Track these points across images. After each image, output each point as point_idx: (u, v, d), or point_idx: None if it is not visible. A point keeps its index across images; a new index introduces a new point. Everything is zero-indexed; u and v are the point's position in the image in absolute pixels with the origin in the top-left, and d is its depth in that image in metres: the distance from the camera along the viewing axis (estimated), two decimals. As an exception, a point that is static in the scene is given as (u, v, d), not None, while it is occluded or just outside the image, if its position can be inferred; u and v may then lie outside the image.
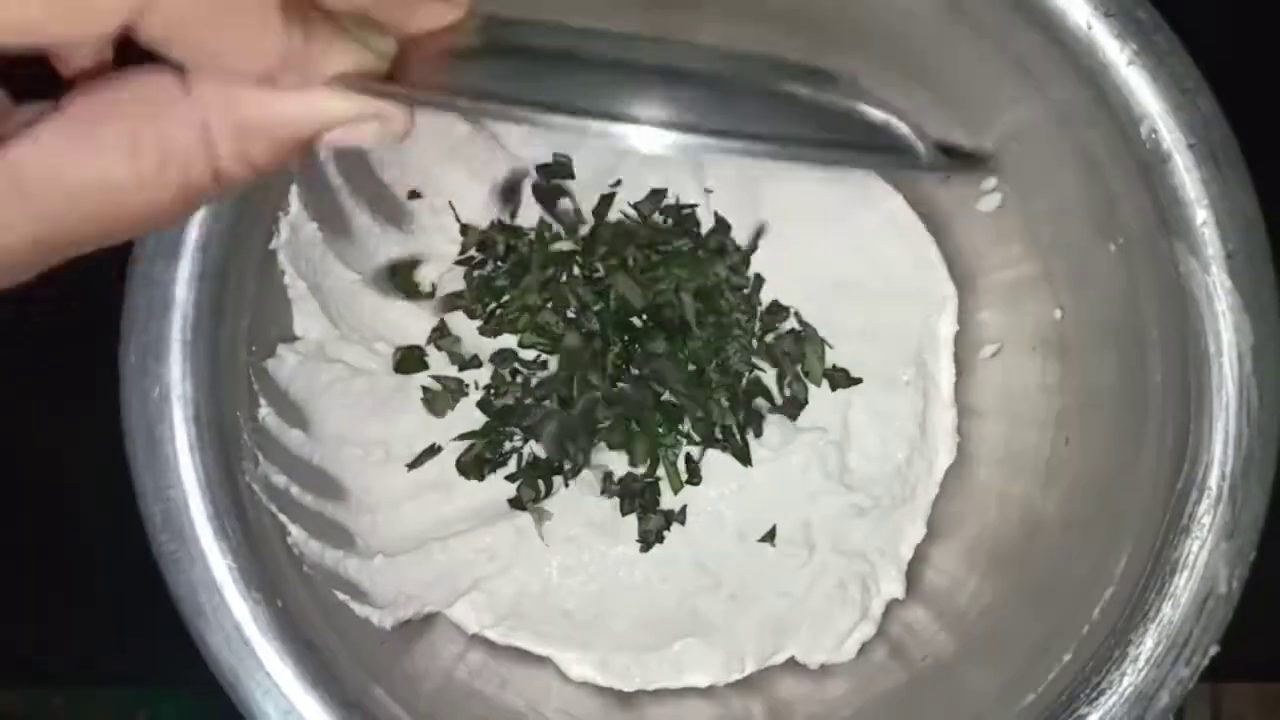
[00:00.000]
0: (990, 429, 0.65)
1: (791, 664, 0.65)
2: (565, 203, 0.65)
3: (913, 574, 0.66)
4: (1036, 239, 0.61)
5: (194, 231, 0.46)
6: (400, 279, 0.62)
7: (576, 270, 0.62)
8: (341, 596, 0.57)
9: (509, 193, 0.64)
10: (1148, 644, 0.46)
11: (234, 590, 0.47)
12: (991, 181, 0.62)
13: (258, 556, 0.47)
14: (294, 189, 0.54)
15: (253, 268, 0.52)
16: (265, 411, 0.54)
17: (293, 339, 0.59)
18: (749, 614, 0.64)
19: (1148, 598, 0.46)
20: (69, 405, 0.74)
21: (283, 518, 0.53)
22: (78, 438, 0.73)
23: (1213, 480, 0.46)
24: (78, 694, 0.79)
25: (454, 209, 0.62)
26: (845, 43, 0.63)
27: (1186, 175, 0.47)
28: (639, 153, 0.26)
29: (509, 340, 0.62)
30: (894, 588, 0.65)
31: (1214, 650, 0.45)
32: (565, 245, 0.64)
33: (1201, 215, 0.47)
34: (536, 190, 0.64)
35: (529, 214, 0.64)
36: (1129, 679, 0.46)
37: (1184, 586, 0.46)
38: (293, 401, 0.57)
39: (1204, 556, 0.46)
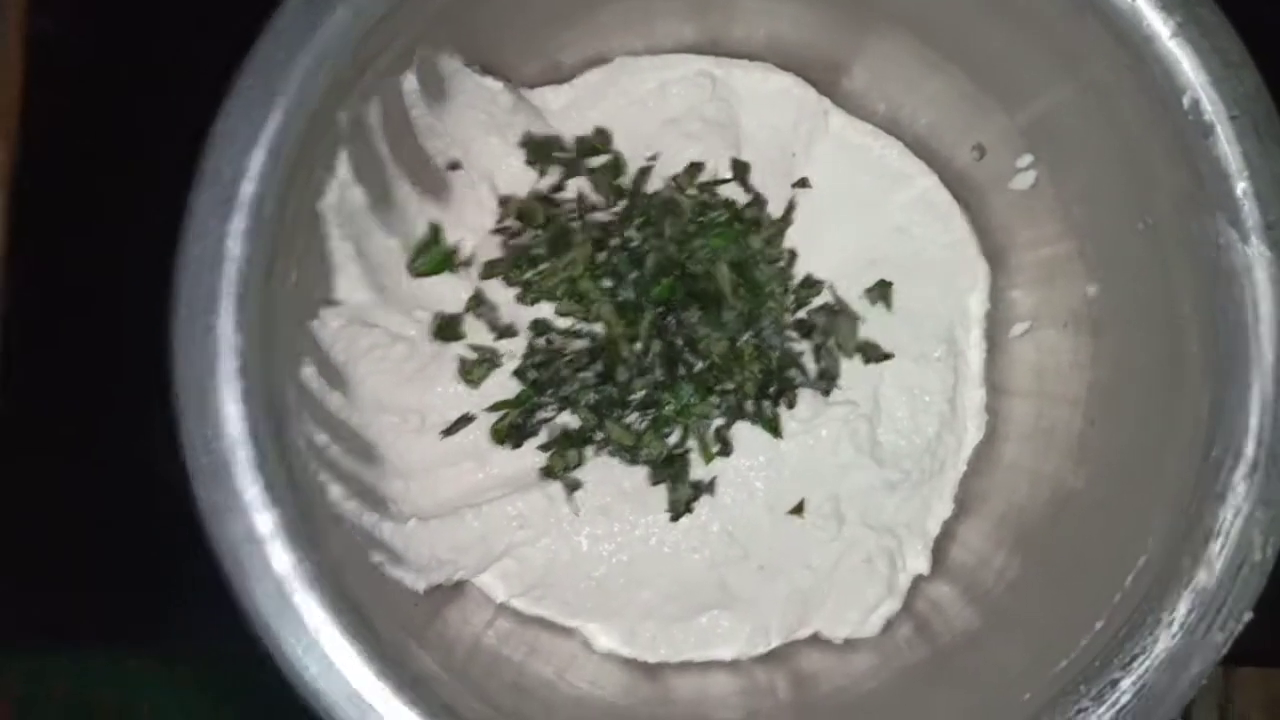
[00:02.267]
0: (1020, 406, 0.65)
1: (816, 638, 0.65)
2: (600, 175, 0.66)
3: (939, 551, 0.66)
4: (1070, 216, 0.61)
5: (248, 188, 0.47)
6: (429, 255, 0.62)
7: (614, 241, 0.63)
8: (376, 558, 0.57)
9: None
10: (1181, 610, 0.46)
11: (278, 543, 0.47)
12: (1026, 159, 0.62)
13: (302, 511, 0.48)
14: (343, 154, 0.54)
15: (303, 226, 0.52)
16: (309, 371, 0.55)
17: (335, 303, 0.59)
18: (776, 586, 0.64)
19: (1182, 563, 0.47)
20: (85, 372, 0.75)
21: (323, 476, 0.53)
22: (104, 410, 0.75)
23: (1249, 448, 0.46)
24: (82, 665, 0.80)
25: (493, 179, 0.63)
26: (883, 22, 0.64)
27: (1229, 147, 0.48)
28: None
29: (545, 309, 0.63)
30: (920, 563, 0.65)
31: (1248, 617, 0.46)
32: (603, 216, 0.64)
33: (1242, 186, 0.48)
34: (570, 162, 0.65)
35: (567, 185, 0.65)
36: (1162, 644, 0.46)
37: (1219, 553, 0.46)
38: (333, 364, 0.58)
39: (1239, 524, 0.46)
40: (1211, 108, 0.48)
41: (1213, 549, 0.46)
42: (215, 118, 0.47)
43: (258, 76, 0.48)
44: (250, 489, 0.47)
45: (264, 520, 0.48)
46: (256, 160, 0.47)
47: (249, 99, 0.48)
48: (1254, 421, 0.46)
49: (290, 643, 0.47)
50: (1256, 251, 0.47)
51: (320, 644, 0.47)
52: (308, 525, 0.49)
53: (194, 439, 0.47)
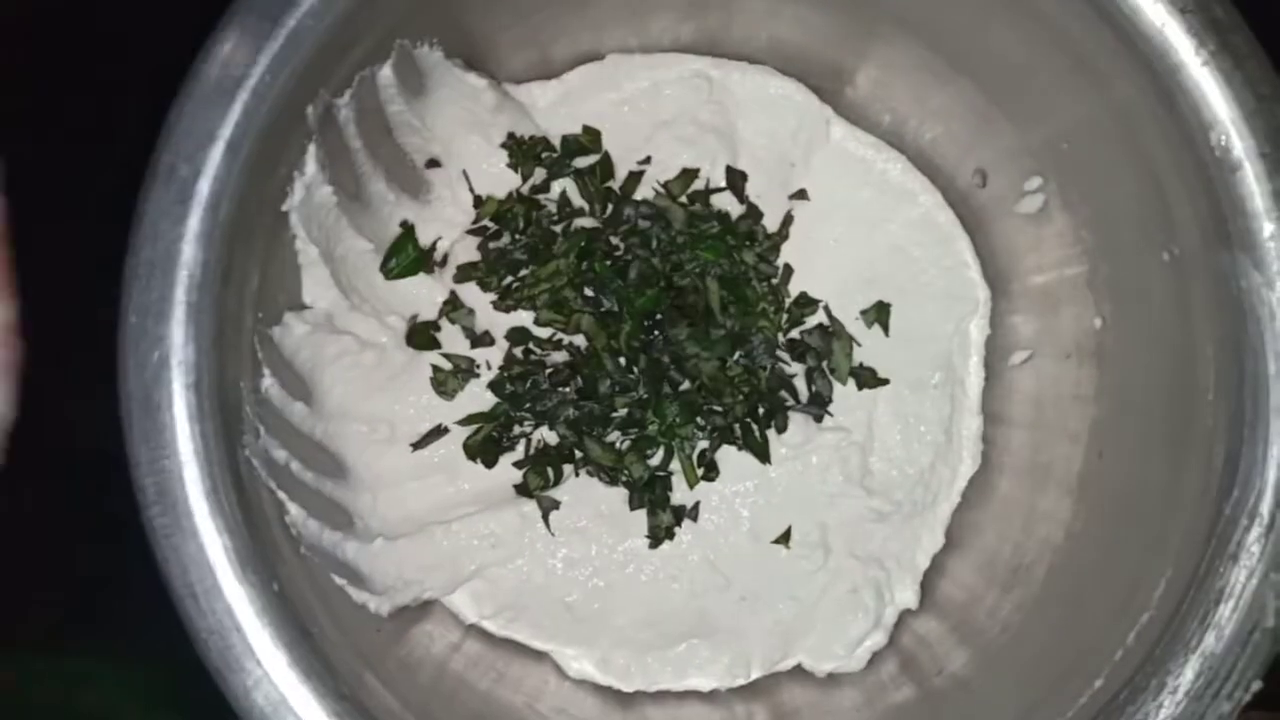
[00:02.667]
0: (1017, 438, 0.63)
1: (798, 671, 0.63)
2: (586, 178, 0.62)
3: (928, 585, 0.63)
4: (1080, 244, 0.58)
5: (204, 186, 0.43)
6: (402, 257, 0.58)
7: (598, 247, 0.59)
8: (339, 580, 0.54)
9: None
10: (1188, 675, 0.44)
11: (228, 571, 0.44)
12: (1035, 181, 0.60)
13: (256, 536, 0.45)
14: (311, 150, 0.51)
15: (264, 229, 0.49)
16: (269, 382, 0.52)
17: (301, 307, 0.56)
18: (758, 617, 0.61)
19: (1189, 626, 0.44)
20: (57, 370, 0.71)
21: (281, 495, 0.50)
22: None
23: (1265, 507, 0.44)
24: (29, 665, 0.77)
25: (468, 178, 0.59)
26: (892, 28, 0.61)
27: (1256, 185, 0.45)
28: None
29: (524, 317, 0.59)
30: (908, 597, 0.63)
31: (1257, 686, 0.43)
32: (587, 221, 0.61)
33: (1269, 229, 0.45)
34: (555, 163, 0.61)
35: (552, 186, 0.61)
36: (1166, 710, 0.44)
37: (1229, 617, 0.44)
38: (297, 372, 0.55)
39: (1252, 586, 0.44)
40: (1241, 143, 0.45)
41: (1223, 612, 0.44)
42: (170, 108, 0.44)
43: (218, 63, 0.44)
44: (199, 512, 0.44)
45: (214, 546, 0.44)
46: (214, 156, 0.44)
47: (208, 88, 0.44)
48: (1272, 480, 0.44)
49: (239, 677, 0.44)
50: (1281, 298, 0.44)
51: (270, 680, 0.44)
52: (261, 550, 0.46)
53: (140, 457, 0.44)
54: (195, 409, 0.44)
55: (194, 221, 0.43)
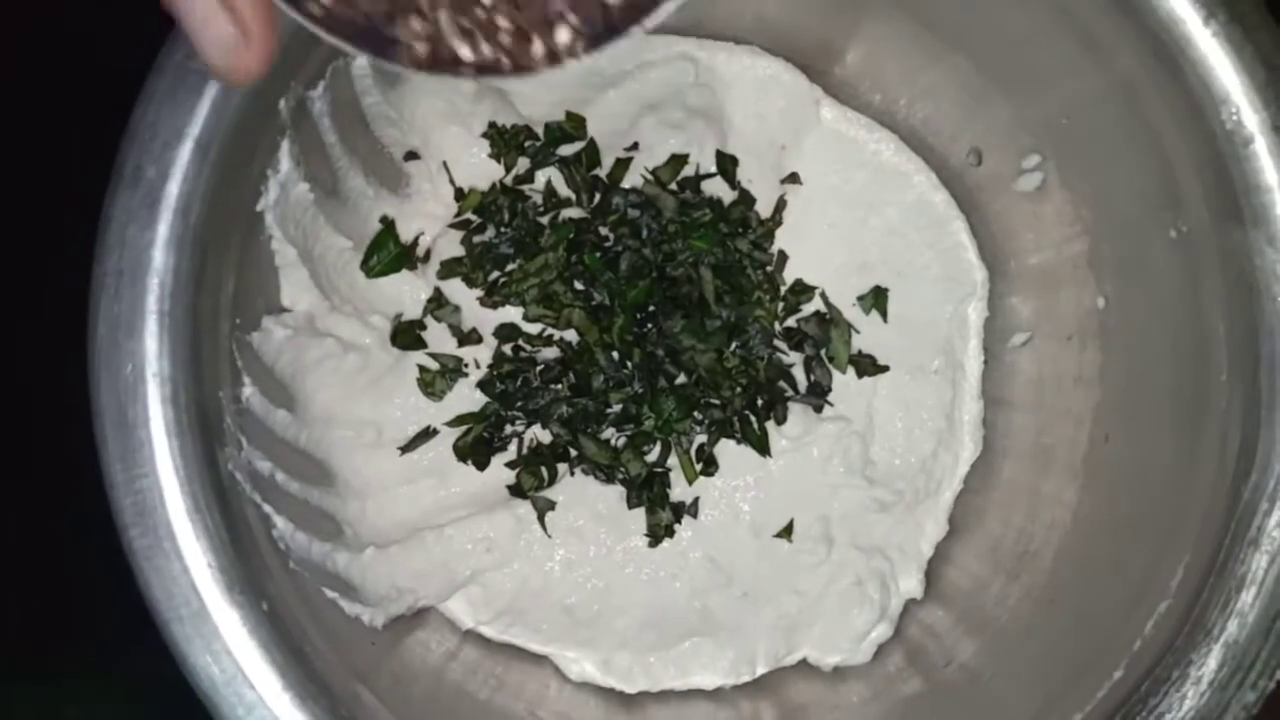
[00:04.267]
0: (1019, 421, 0.62)
1: (804, 666, 0.61)
2: (572, 167, 0.60)
3: (933, 574, 0.62)
4: (1080, 222, 0.57)
5: (173, 188, 0.41)
6: (383, 254, 0.56)
7: (587, 239, 0.57)
8: (330, 594, 0.52)
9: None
10: (1210, 665, 0.43)
11: (215, 592, 0.42)
12: (1034, 159, 0.58)
13: (241, 554, 0.43)
14: (285, 146, 0.48)
15: (239, 230, 0.47)
16: (249, 391, 0.49)
17: (280, 311, 0.54)
18: (761, 613, 0.60)
19: (1210, 614, 0.43)
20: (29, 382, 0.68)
21: (267, 508, 0.48)
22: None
23: (1286, 491, 0.43)
24: (9, 686, 0.74)
25: (449, 170, 0.57)
26: (878, 3, 0.59)
27: (1270, 159, 0.44)
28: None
29: (512, 313, 0.57)
30: (913, 586, 0.62)
31: (1281, 674, 0.42)
32: (574, 212, 0.59)
33: (1283, 203, 0.44)
34: (539, 152, 0.59)
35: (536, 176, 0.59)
36: (1190, 702, 0.43)
37: (1251, 604, 0.43)
38: (278, 379, 0.52)
39: (1274, 572, 0.43)
40: (1254, 117, 0.44)
41: (1245, 599, 0.43)
42: (134, 105, 0.41)
43: (185, 54, 0.41)
44: (182, 532, 0.42)
45: (198, 566, 0.42)
46: (183, 156, 0.41)
47: (173, 83, 0.41)
48: (1293, 463, 0.43)
49: (230, 702, 0.42)
50: (1298, 275, 0.43)
51: (264, 704, 0.42)
52: (248, 569, 0.44)
53: (117, 476, 0.42)
54: (173, 423, 0.42)
55: (163, 226, 0.41)
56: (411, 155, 0.57)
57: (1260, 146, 0.44)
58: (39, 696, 0.75)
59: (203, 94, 0.42)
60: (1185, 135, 0.47)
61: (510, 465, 0.58)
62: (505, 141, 0.58)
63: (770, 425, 0.59)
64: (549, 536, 0.58)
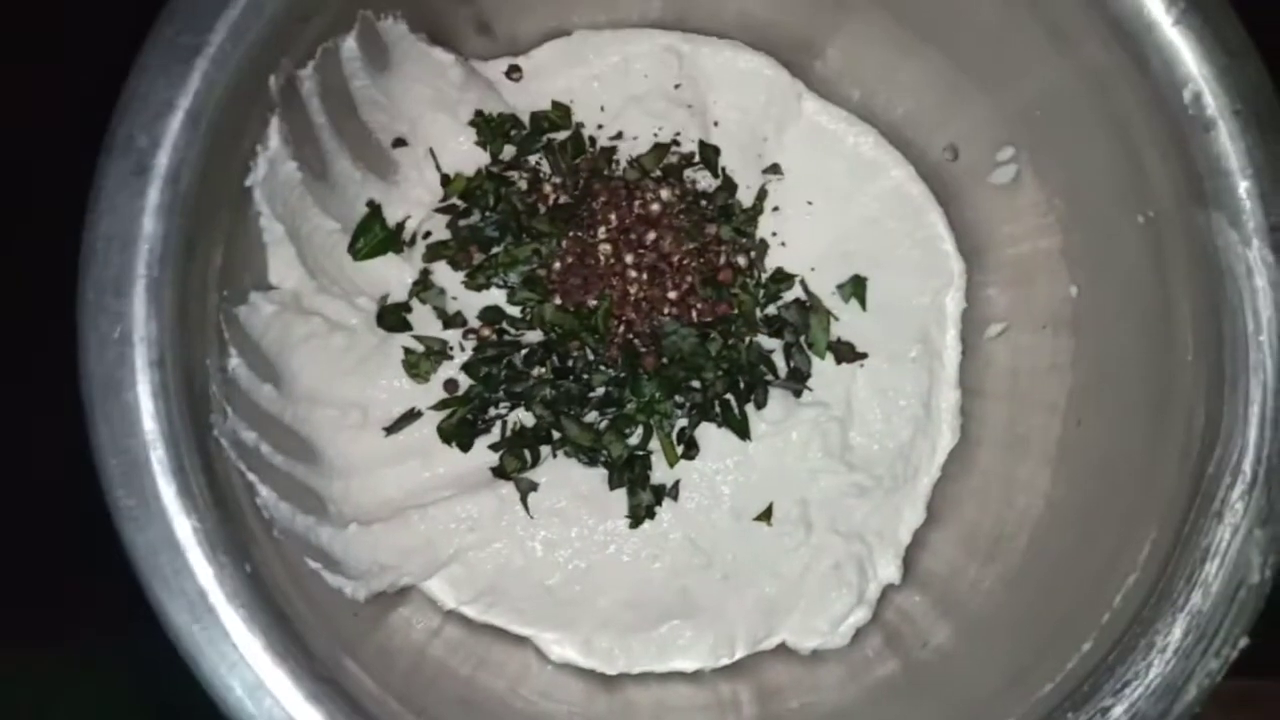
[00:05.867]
0: (995, 409, 0.63)
1: (782, 649, 0.62)
2: (558, 154, 0.61)
3: (910, 559, 0.63)
4: (1053, 212, 0.58)
5: (164, 158, 0.42)
6: (370, 237, 0.57)
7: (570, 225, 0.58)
8: (313, 565, 0.53)
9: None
10: (1176, 634, 0.44)
11: (198, 553, 0.42)
12: (1008, 151, 0.59)
13: (226, 517, 0.43)
14: (274, 123, 0.49)
15: (227, 203, 0.47)
16: (235, 363, 0.50)
17: (268, 287, 0.54)
18: (741, 596, 0.61)
19: (1175, 585, 0.44)
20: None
21: (251, 477, 0.49)
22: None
23: (1247, 464, 0.44)
24: None
25: (434, 155, 0.58)
26: (861, 1, 0.60)
27: (1230, 143, 0.45)
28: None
29: (496, 295, 0.58)
30: (891, 572, 0.63)
31: (1244, 642, 0.43)
32: (560, 198, 0.60)
33: (1244, 185, 0.45)
34: (525, 140, 0.60)
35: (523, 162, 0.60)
36: (1156, 670, 0.43)
37: (1215, 575, 0.44)
38: (264, 354, 0.53)
39: (1236, 544, 0.44)
40: (1214, 101, 0.45)
41: (1209, 570, 0.43)
42: (127, 76, 0.42)
43: (176, 27, 0.43)
44: (167, 493, 0.43)
45: (183, 527, 0.43)
46: (173, 126, 0.42)
47: (166, 54, 0.42)
48: (1253, 437, 0.44)
49: (212, 661, 0.43)
50: (1258, 256, 0.44)
51: (247, 660, 0.43)
52: (232, 531, 0.44)
53: (103, 438, 0.42)
54: (159, 387, 0.42)
55: (153, 193, 0.42)
56: (399, 142, 0.58)
57: (1221, 131, 0.45)
58: (26, 689, 0.75)
59: (194, 66, 0.43)
60: (1151, 122, 0.48)
61: (494, 447, 0.59)
62: (492, 129, 0.60)
63: (750, 409, 0.59)
64: (531, 517, 0.59)
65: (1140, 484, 0.50)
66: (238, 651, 0.42)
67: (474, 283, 0.58)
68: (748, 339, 0.60)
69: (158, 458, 0.42)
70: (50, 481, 0.65)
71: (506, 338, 0.59)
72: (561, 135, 0.61)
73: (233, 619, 0.42)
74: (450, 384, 0.58)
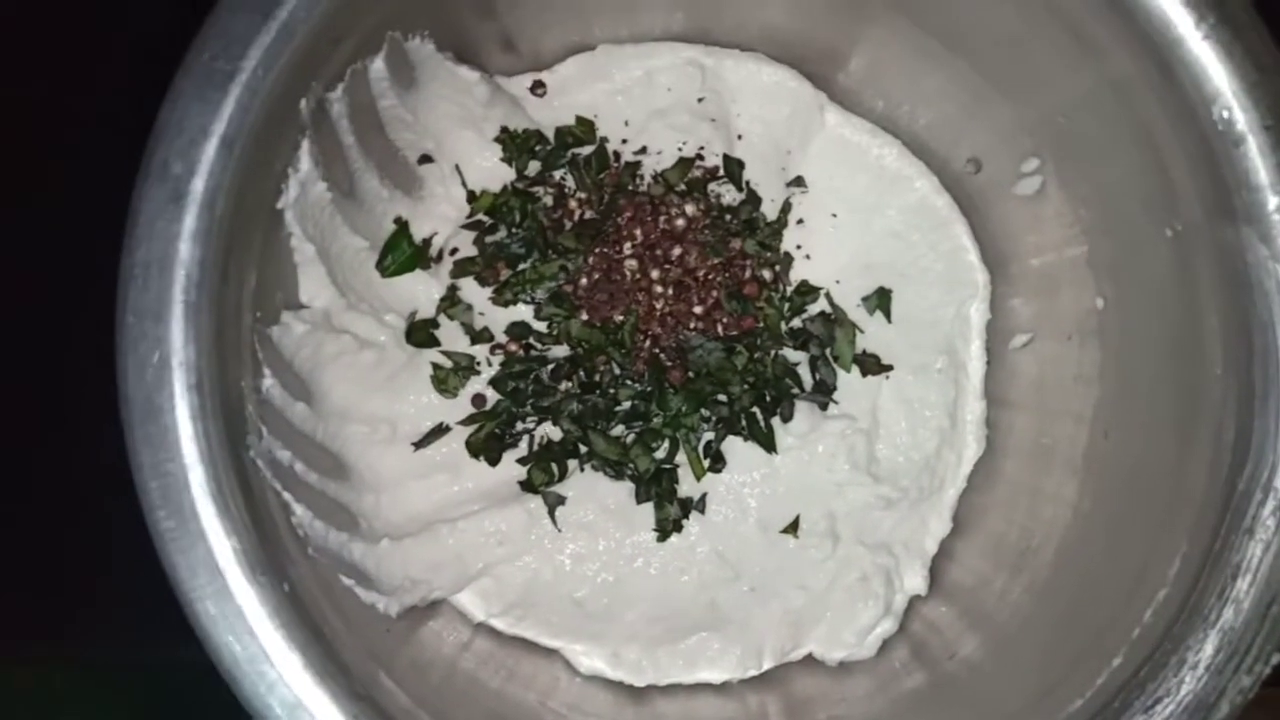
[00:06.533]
0: (1021, 420, 0.63)
1: (810, 660, 0.62)
2: (583, 169, 0.62)
3: (937, 571, 0.63)
4: (1079, 223, 0.58)
5: (199, 184, 0.43)
6: (398, 254, 0.57)
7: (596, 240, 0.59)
8: (347, 581, 0.53)
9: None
10: (1208, 650, 0.44)
11: (238, 573, 0.43)
12: (1033, 163, 0.59)
13: (264, 537, 0.44)
14: (305, 145, 0.50)
15: (260, 226, 0.48)
16: (269, 382, 0.51)
17: (299, 306, 0.55)
18: (768, 608, 0.61)
19: (1206, 601, 0.44)
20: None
21: (286, 496, 0.49)
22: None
23: (1279, 481, 0.44)
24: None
25: (460, 172, 0.58)
26: (882, 10, 0.60)
27: (1260, 159, 0.45)
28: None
29: (523, 311, 0.59)
30: (917, 583, 0.63)
31: (1276, 658, 0.43)
32: (586, 213, 0.60)
33: (1275, 201, 0.45)
34: (550, 155, 0.61)
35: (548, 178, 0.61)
36: (1188, 686, 0.43)
37: (1247, 591, 0.44)
38: (297, 372, 0.54)
39: (1269, 560, 0.44)
40: (1244, 116, 0.45)
41: (1240, 586, 0.43)
42: (162, 103, 0.43)
43: (211, 55, 0.43)
44: (206, 514, 0.44)
45: (222, 548, 0.44)
46: (209, 152, 0.43)
47: (200, 81, 0.43)
48: (1286, 452, 0.44)
49: (252, 681, 0.43)
50: (1289, 270, 0.44)
51: (285, 682, 0.44)
52: (270, 551, 0.45)
53: (144, 461, 0.43)
54: (198, 410, 0.43)
55: (190, 219, 0.43)
56: (425, 159, 0.58)
57: (1251, 145, 0.45)
58: (30, 695, 0.75)
59: (228, 93, 0.43)
60: (1179, 135, 0.48)
61: (521, 461, 0.59)
62: (517, 146, 0.60)
63: (776, 423, 0.60)
64: (559, 531, 0.59)
65: (1169, 497, 0.50)
66: (276, 671, 0.43)
67: (501, 299, 0.58)
68: (773, 352, 0.60)
69: (197, 480, 0.43)
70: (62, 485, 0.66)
71: (533, 353, 0.59)
72: (586, 150, 0.61)
73: (273, 639, 0.43)
74: (478, 399, 0.58)
